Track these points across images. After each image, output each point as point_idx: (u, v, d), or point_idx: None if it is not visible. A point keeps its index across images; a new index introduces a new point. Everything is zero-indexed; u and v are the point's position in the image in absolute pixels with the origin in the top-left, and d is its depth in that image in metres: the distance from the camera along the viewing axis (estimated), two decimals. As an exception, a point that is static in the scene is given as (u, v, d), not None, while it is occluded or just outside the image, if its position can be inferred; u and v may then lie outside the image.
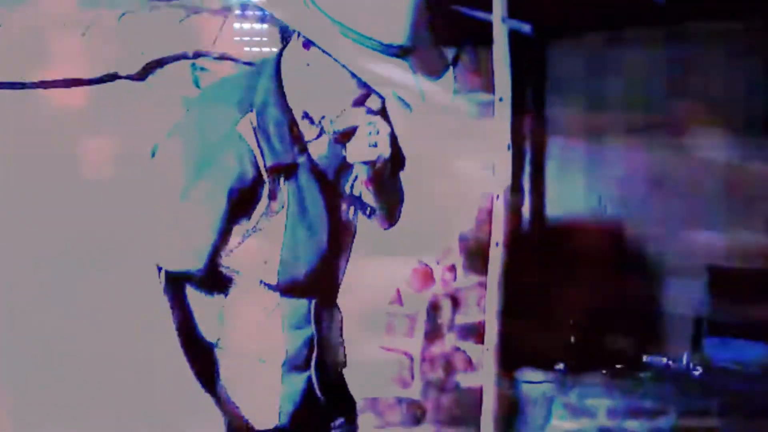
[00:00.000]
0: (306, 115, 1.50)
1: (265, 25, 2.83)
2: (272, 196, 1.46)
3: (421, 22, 1.38)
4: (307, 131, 1.51)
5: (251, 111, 1.45)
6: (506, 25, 2.78)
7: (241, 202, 1.45)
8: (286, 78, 1.49)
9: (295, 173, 1.48)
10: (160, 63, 2.75)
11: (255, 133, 1.43)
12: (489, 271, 2.83)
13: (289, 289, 1.52)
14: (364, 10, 1.36)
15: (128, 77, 2.71)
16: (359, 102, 1.44)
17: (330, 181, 1.55)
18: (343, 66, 1.38)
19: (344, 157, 1.47)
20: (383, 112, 1.48)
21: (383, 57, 1.37)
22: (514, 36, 2.79)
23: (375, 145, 1.43)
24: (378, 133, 1.43)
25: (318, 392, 1.60)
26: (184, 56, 2.78)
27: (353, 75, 1.38)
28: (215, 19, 2.80)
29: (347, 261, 1.66)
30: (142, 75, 2.75)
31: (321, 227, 1.51)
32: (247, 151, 1.43)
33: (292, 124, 1.49)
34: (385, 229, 1.69)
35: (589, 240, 3.07)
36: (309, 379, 1.60)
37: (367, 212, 1.56)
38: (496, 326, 2.83)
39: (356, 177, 1.54)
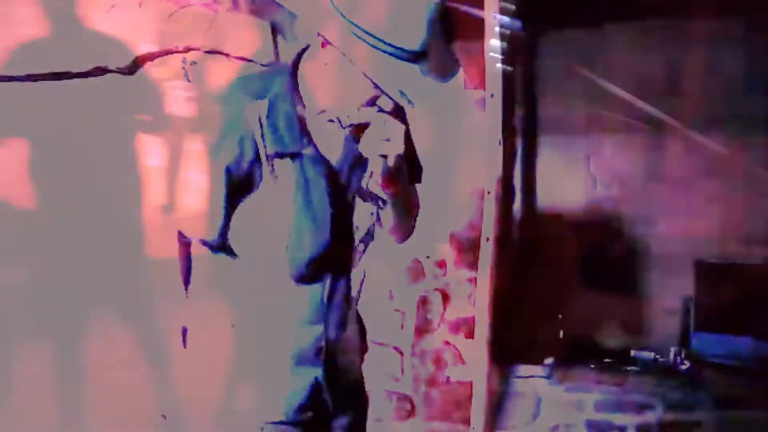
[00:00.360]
0: (322, 112, 1.54)
1: (257, 19, 2.82)
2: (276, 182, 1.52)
3: (436, 27, 1.41)
4: (322, 127, 1.55)
5: (262, 99, 1.50)
6: (497, 21, 2.79)
7: (239, 183, 1.52)
8: (303, 75, 1.54)
9: (300, 163, 1.52)
10: (150, 57, 2.74)
11: (260, 120, 1.49)
12: (479, 266, 2.85)
13: (299, 278, 1.56)
14: (382, 15, 1.40)
15: (118, 71, 2.70)
16: (371, 102, 1.48)
17: (340, 178, 1.58)
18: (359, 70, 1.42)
19: (359, 154, 1.51)
20: (395, 113, 1.50)
21: (396, 61, 1.40)
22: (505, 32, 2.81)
23: (388, 140, 1.46)
24: (391, 128, 1.47)
25: (325, 389, 1.61)
26: (174, 50, 2.77)
27: (367, 77, 1.42)
28: (206, 12, 2.79)
29: (360, 255, 1.68)
30: (132, 69, 2.74)
31: (325, 220, 1.54)
32: (248, 135, 1.50)
33: (302, 117, 1.53)
34: (398, 242, 1.72)
35: (580, 235, 3.09)
36: (318, 375, 1.61)
37: (379, 204, 1.58)
38: (486, 321, 2.84)
39: (371, 174, 1.57)
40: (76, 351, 2.53)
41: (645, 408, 2.86)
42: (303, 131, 1.54)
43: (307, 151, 1.54)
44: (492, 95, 2.82)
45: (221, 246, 1.58)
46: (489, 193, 2.84)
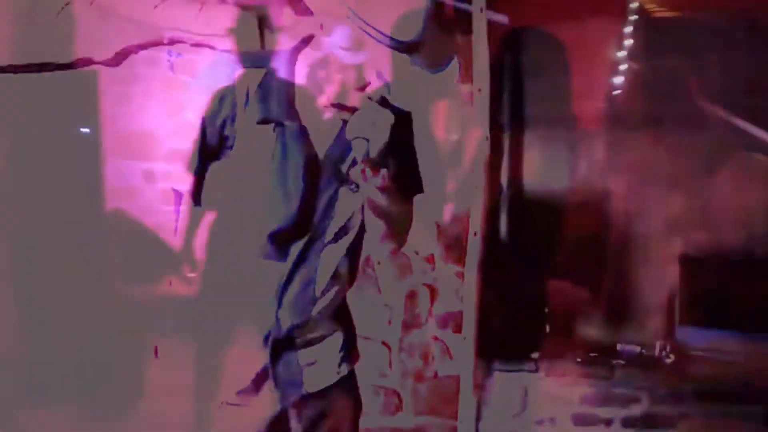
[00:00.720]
0: (326, 107, 1.57)
1: (243, 11, 2.80)
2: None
3: (431, 19, 1.45)
4: (318, 118, 1.59)
5: (261, 68, 1.56)
6: (485, 16, 2.78)
7: (210, 138, 1.59)
8: (303, 57, 1.58)
9: (282, 132, 1.55)
10: (135, 49, 2.71)
11: (248, 86, 1.55)
12: (467, 261, 2.85)
13: (262, 253, 1.59)
14: (380, 6, 1.42)
15: (102, 63, 2.67)
16: (361, 89, 1.50)
17: (321, 159, 1.60)
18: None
19: (346, 142, 1.53)
20: (383, 102, 1.53)
21: (390, 50, 1.43)
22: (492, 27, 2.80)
23: (374, 125, 1.49)
24: (379, 115, 1.49)
25: (271, 377, 1.61)
26: (159, 42, 2.74)
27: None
28: (192, 5, 2.76)
29: (352, 252, 1.68)
30: (117, 61, 2.71)
31: (296, 194, 1.56)
32: (230, 95, 1.57)
33: (292, 94, 1.57)
34: (394, 252, 1.77)
35: (567, 229, 3.11)
36: (266, 362, 1.61)
37: (353, 189, 1.61)
38: (473, 316, 2.85)
39: (354, 161, 1.60)
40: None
41: (631, 401, 2.88)
42: (290, 105, 1.58)
43: (290, 124, 1.58)
44: (479, 90, 2.82)
45: (194, 197, 1.69)
46: (476, 188, 2.85)
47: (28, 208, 2.55)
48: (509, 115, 3.07)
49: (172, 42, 2.75)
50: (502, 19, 2.89)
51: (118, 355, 2.50)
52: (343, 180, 1.65)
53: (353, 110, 1.56)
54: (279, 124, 1.61)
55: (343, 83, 1.61)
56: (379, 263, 3.02)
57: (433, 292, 3.11)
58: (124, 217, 2.58)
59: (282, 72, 1.65)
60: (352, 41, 1.58)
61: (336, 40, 1.59)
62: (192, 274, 2.19)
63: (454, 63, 1.57)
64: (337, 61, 1.62)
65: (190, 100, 2.40)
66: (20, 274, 2.52)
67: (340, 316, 1.87)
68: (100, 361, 2.49)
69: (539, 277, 3.08)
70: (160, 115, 2.61)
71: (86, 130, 2.54)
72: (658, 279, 3.01)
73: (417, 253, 3.09)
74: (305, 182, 1.60)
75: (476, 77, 2.79)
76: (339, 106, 1.59)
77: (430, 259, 3.10)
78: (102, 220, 2.59)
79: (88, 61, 2.59)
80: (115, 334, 2.50)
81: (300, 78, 1.95)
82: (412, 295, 3.10)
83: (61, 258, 2.51)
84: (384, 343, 3.11)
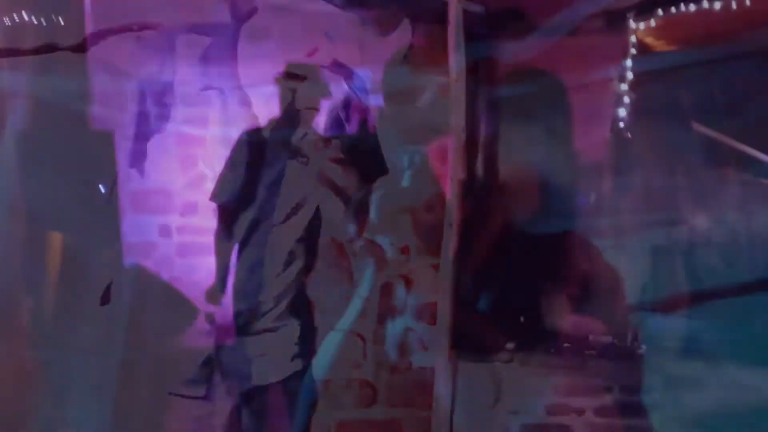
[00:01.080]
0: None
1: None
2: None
3: None
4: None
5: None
6: (461, 5, 2.77)
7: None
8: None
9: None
10: (103, 35, 2.64)
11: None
12: (442, 252, 2.85)
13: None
14: None
15: (68, 48, 2.60)
16: (310, 54, 1.48)
17: (261, 129, 1.59)
18: None
19: (295, 112, 1.52)
20: (334, 68, 1.51)
21: (337, 9, 1.40)
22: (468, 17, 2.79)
23: (324, 96, 1.49)
24: (327, 85, 1.48)
25: (216, 368, 1.59)
26: (128, 28, 2.68)
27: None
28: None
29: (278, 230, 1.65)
30: (82, 47, 2.64)
31: (239, 165, 1.55)
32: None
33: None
34: (351, 239, 1.75)
35: (542, 220, 3.12)
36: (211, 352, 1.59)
37: (302, 162, 1.59)
38: (448, 307, 2.85)
39: (305, 135, 1.59)
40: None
41: (603, 391, 2.91)
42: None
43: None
44: (456, 80, 2.81)
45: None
46: (452, 178, 2.84)
47: (50, 268, 2.60)
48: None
49: (142, 28, 2.69)
50: (478, 9, 2.88)
51: (139, 408, 2.51)
52: (293, 152, 1.62)
53: (303, 80, 1.53)
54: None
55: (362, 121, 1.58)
56: (355, 254, 3.00)
57: (408, 283, 3.10)
58: (142, 272, 2.61)
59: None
60: (373, 84, 1.57)
61: (356, 83, 1.57)
62: (214, 310, 2.13)
63: (405, 24, 1.53)
64: (357, 102, 1.59)
65: (203, 154, 2.44)
66: (40, 331, 2.56)
67: (298, 306, 1.81)
68: (122, 414, 2.54)
69: (514, 268, 3.09)
70: (174, 170, 2.63)
71: (103, 188, 2.58)
72: (631, 269, 3.05)
73: (392, 244, 3.08)
74: (248, 152, 1.57)
75: (452, 67, 2.78)
76: (288, 76, 1.56)
77: (406, 250, 3.09)
78: (121, 276, 2.62)
79: (53, 48, 2.52)
80: (136, 387, 2.52)
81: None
82: (387, 286, 3.09)
83: (81, 314, 2.56)
84: (359, 335, 3.10)
